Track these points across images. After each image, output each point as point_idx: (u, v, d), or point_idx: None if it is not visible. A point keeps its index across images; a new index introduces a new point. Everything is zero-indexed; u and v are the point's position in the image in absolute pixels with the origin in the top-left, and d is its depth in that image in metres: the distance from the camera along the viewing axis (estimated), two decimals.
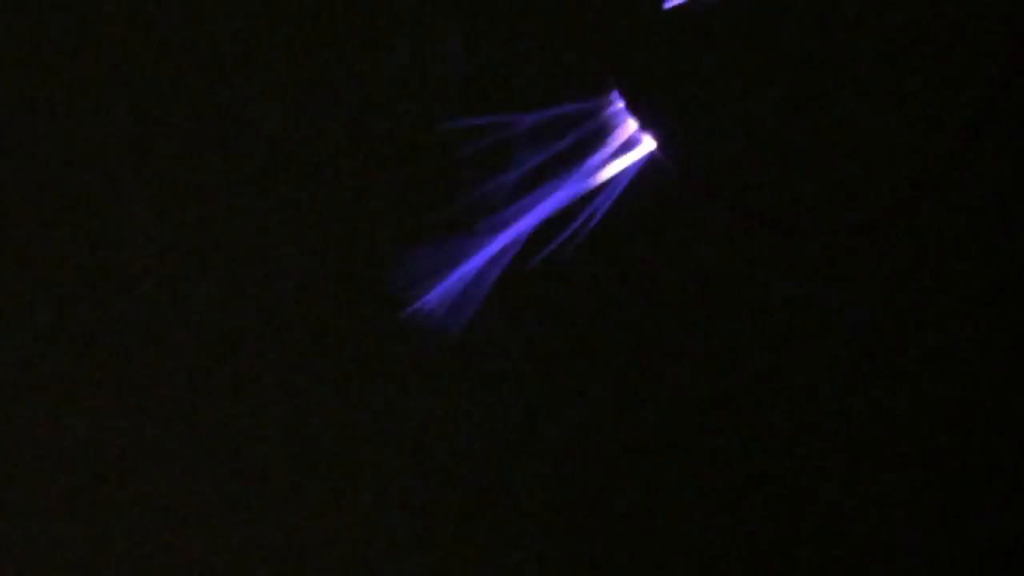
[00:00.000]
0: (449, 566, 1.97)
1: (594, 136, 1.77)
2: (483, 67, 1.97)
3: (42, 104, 1.91)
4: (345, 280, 1.97)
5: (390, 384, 1.97)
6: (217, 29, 1.96)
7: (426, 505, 1.97)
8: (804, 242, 2.01)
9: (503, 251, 1.76)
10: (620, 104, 1.77)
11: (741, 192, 1.99)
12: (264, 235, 1.96)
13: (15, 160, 1.91)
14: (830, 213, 2.02)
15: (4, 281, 1.91)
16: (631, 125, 1.77)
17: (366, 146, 1.98)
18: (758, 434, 2.03)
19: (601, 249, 1.90)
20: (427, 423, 1.98)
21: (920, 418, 2.06)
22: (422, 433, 1.98)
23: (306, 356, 1.96)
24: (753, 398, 2.03)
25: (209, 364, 1.95)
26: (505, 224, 1.75)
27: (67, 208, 1.94)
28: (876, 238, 2.02)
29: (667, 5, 1.89)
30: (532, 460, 1.99)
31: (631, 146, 1.80)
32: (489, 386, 1.99)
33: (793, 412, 2.04)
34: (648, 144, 1.81)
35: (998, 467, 2.07)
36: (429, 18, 1.97)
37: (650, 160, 1.80)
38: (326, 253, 1.96)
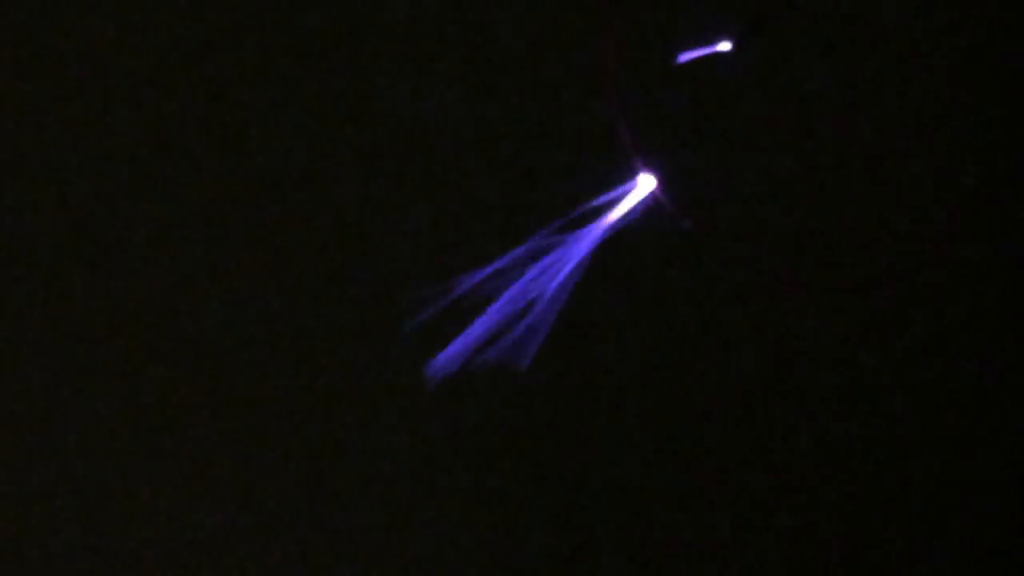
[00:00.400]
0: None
1: (598, 181, 1.82)
2: (488, 109, 2.00)
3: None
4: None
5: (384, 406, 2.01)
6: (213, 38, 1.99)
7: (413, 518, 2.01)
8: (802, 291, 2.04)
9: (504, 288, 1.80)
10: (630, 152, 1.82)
11: (739, 237, 2.03)
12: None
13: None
14: (832, 267, 2.06)
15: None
16: (639, 173, 1.82)
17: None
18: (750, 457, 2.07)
19: (600, 285, 1.94)
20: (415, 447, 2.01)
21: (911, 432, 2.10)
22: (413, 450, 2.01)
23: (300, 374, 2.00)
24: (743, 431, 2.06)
25: (207, 374, 1.99)
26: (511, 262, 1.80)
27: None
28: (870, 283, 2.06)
29: (681, 59, 1.93)
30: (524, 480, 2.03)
31: (633, 188, 1.84)
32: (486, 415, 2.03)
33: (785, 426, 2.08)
34: (649, 184, 1.85)
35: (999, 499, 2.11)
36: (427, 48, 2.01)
37: (651, 202, 1.84)
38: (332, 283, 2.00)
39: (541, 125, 1.98)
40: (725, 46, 1.89)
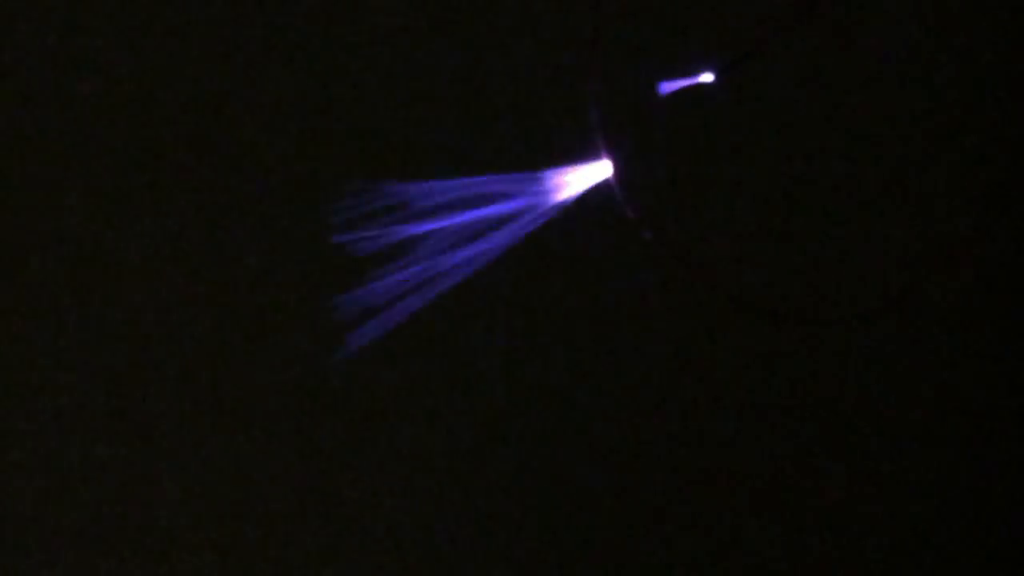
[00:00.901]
0: None
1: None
2: (471, 128, 2.04)
3: None
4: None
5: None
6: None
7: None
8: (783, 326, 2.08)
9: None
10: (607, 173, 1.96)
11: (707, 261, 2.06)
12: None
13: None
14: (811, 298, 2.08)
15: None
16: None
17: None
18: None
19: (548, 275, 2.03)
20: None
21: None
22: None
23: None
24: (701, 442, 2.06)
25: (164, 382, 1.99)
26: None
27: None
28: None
29: (663, 91, 2.01)
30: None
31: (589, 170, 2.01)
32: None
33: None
34: (605, 170, 2.01)
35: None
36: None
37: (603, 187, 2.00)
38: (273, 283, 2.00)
39: (510, 94, 2.03)
40: (708, 77, 2.04)
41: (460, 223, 1.95)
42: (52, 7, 1.98)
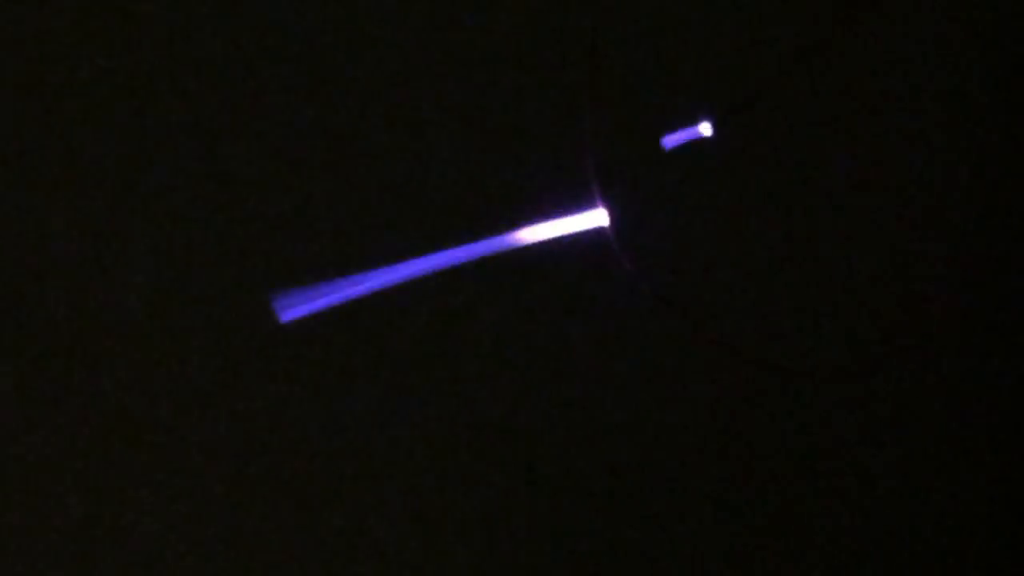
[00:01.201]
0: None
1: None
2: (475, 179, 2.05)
3: None
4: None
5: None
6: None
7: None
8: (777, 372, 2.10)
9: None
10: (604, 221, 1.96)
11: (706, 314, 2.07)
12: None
13: None
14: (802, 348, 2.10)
15: None
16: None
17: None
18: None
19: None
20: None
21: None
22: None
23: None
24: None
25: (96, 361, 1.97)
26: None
27: None
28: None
29: (666, 145, 2.03)
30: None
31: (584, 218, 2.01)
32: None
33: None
34: (600, 219, 2.01)
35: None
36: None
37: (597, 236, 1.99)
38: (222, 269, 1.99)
39: (513, 131, 2.04)
40: (707, 129, 2.05)
41: (453, 263, 1.96)
42: None
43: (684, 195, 2.05)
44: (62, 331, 1.94)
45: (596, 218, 2.02)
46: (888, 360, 2.09)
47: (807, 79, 2.08)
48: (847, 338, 2.10)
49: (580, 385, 2.05)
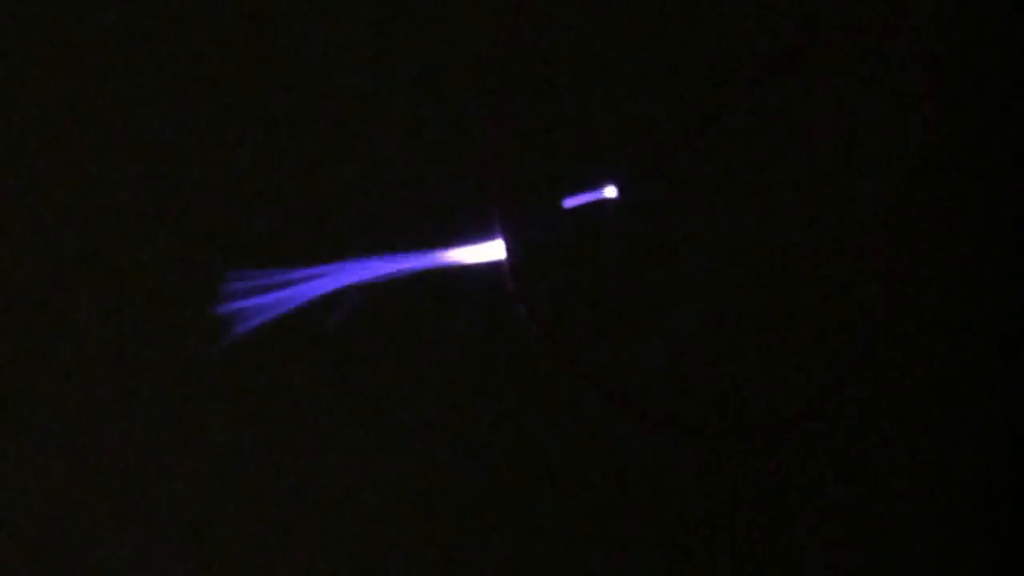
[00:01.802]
0: None
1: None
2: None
3: None
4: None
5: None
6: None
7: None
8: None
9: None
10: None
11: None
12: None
13: None
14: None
15: None
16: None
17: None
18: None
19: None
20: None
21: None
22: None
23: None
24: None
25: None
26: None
27: None
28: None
29: (567, 204, 2.05)
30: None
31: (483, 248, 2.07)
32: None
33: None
34: (499, 252, 2.09)
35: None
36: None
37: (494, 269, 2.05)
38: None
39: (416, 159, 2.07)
40: (612, 192, 2.11)
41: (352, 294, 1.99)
42: None
43: (583, 247, 2.09)
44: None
45: (494, 250, 2.10)
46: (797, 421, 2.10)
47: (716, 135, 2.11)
48: (743, 394, 2.11)
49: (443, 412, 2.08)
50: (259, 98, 2.03)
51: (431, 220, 2.05)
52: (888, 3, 2.14)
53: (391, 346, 2.06)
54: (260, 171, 2.03)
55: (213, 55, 2.03)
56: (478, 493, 2.07)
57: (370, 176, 2.05)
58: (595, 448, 2.08)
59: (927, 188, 2.15)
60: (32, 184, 1.98)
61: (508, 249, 2.06)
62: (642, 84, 2.11)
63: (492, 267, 2.07)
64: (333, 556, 2.05)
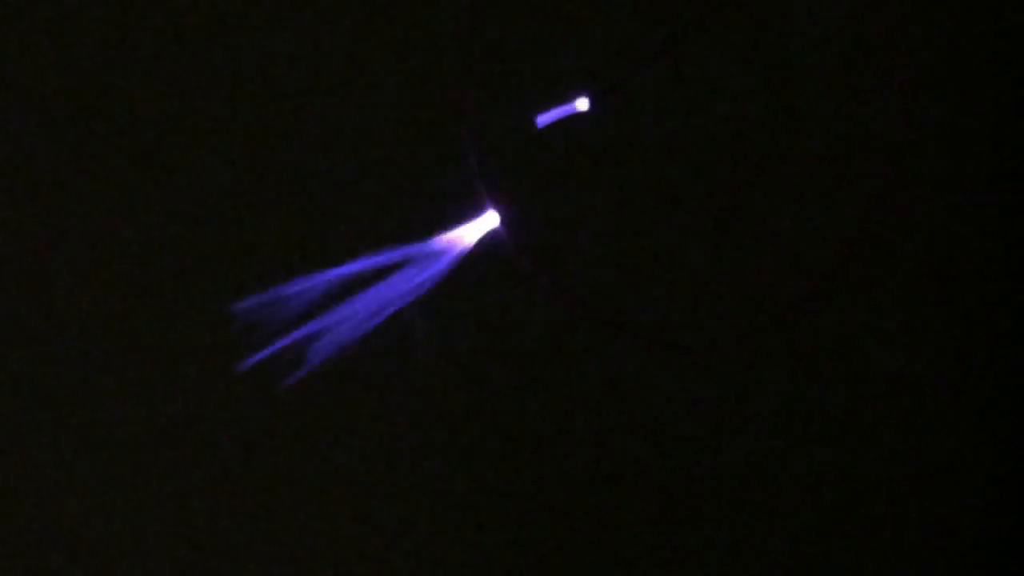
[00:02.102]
0: None
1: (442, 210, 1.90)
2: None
3: None
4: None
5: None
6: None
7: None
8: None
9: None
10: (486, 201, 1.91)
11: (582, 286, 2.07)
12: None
13: None
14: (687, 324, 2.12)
15: None
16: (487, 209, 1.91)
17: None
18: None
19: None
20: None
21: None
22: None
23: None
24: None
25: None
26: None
27: None
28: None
29: (539, 123, 1.99)
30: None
31: (477, 224, 1.94)
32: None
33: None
34: (492, 222, 1.96)
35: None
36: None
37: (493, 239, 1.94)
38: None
39: (397, 150, 2.03)
40: (583, 104, 1.99)
41: (359, 303, 1.90)
42: None
43: (566, 180, 2.03)
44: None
45: (489, 221, 1.96)
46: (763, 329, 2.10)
47: (685, 58, 2.05)
48: (738, 311, 2.10)
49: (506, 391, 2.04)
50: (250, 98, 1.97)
51: (424, 209, 1.98)
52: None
53: (391, 346, 2.02)
54: (252, 173, 1.99)
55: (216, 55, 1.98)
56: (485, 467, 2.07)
57: (356, 166, 2.00)
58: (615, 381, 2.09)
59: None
60: (33, 184, 1.96)
61: (502, 218, 1.99)
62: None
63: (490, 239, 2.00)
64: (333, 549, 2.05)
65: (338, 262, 1.93)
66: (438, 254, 1.94)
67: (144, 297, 1.96)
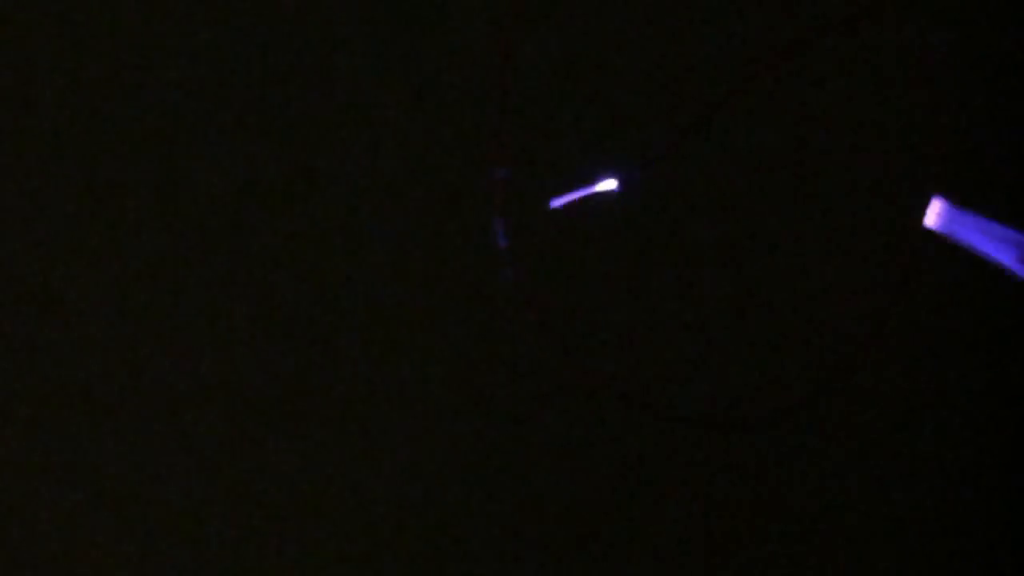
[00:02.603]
0: None
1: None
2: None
3: None
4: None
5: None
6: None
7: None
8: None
9: None
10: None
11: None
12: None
13: None
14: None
15: None
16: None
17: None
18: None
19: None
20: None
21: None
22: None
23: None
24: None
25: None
26: None
27: None
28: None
29: (553, 205, 2.03)
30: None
31: None
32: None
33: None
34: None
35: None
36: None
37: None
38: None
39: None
40: (611, 184, 2.06)
41: None
42: None
43: (589, 256, 2.07)
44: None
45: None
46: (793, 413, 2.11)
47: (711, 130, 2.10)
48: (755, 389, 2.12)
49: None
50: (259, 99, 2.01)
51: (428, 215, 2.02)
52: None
53: (390, 342, 2.05)
54: (256, 174, 2.02)
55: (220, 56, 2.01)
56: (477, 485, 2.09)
57: (367, 173, 2.04)
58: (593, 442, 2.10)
59: (923, 186, 2.15)
60: (33, 186, 1.97)
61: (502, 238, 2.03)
62: (639, 81, 2.08)
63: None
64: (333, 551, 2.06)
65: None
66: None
67: (146, 295, 1.98)
